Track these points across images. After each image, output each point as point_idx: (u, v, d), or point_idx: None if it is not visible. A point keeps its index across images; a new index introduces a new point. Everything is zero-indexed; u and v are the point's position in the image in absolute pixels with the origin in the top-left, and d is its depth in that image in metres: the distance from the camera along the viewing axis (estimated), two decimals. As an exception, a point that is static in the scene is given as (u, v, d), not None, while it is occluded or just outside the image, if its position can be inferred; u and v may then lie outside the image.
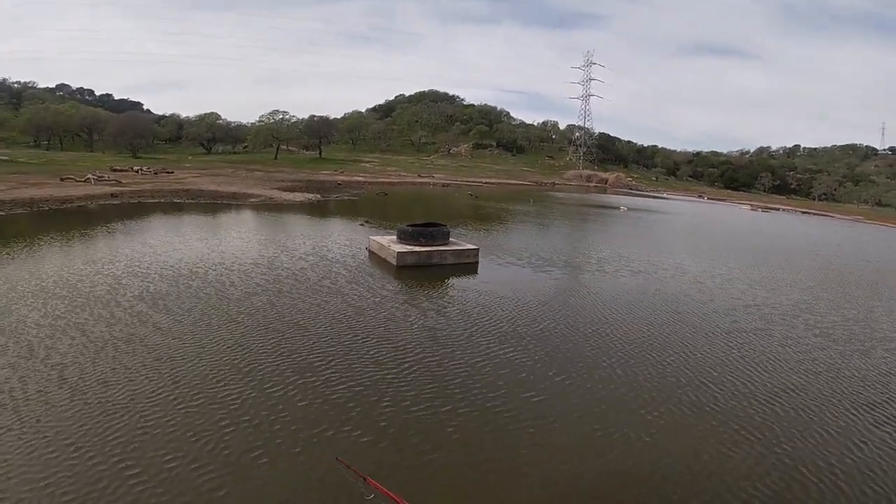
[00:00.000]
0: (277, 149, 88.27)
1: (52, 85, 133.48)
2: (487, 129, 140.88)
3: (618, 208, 52.57)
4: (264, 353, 9.03)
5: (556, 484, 6.07)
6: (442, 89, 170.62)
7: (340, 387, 7.94)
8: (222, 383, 7.84)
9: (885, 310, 16.34)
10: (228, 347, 9.17)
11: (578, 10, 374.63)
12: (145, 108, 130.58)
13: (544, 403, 7.93)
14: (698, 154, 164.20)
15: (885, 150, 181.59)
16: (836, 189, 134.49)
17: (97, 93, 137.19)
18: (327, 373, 8.39)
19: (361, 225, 24.58)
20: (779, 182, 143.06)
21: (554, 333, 11.04)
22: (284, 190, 39.56)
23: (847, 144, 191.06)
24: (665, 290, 15.99)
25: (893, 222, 76.96)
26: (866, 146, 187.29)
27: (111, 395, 7.27)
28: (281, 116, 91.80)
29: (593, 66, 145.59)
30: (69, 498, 5.23)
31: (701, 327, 12.42)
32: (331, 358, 8.97)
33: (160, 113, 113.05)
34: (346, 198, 40.00)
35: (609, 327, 11.75)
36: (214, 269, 14.49)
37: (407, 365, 8.91)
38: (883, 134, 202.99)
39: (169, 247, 17.24)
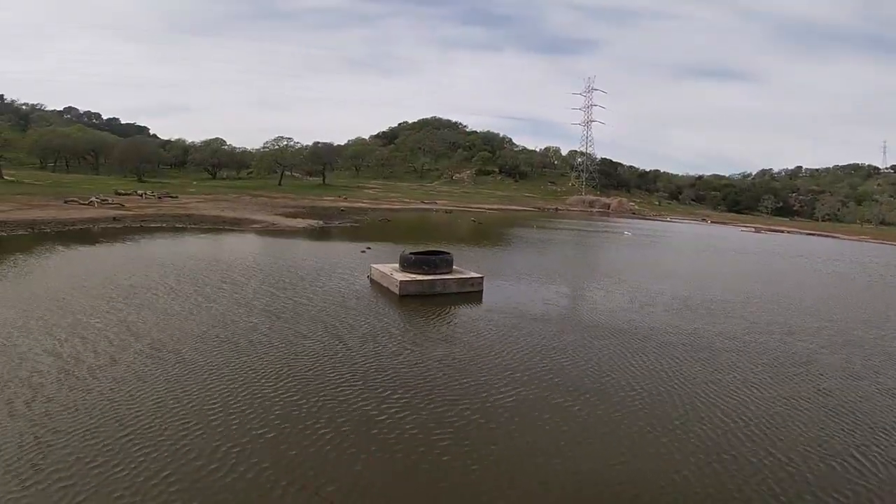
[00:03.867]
0: (282, 175, 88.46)
1: (60, 107, 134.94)
2: (490, 155, 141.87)
3: (622, 233, 52.42)
4: (268, 384, 8.68)
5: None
6: (444, 116, 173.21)
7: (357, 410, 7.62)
8: (229, 412, 7.52)
9: None
10: (224, 376, 8.84)
11: (574, 35, 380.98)
12: (151, 132, 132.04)
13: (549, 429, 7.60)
14: (700, 177, 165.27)
15: (887, 168, 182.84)
16: (839, 209, 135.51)
17: (104, 116, 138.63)
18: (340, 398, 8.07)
19: (363, 252, 24.24)
20: (781, 204, 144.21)
21: (559, 363, 10.66)
22: (287, 216, 39.45)
23: (849, 164, 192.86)
24: (674, 322, 15.65)
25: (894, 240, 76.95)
26: (868, 165, 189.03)
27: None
28: (285, 143, 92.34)
29: (594, 91, 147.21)
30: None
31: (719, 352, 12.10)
32: (341, 387, 8.64)
33: (166, 137, 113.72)
34: (348, 224, 39.81)
35: (617, 358, 11.39)
36: (207, 298, 14.07)
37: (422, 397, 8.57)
38: (885, 152, 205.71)
39: (161, 277, 16.89)
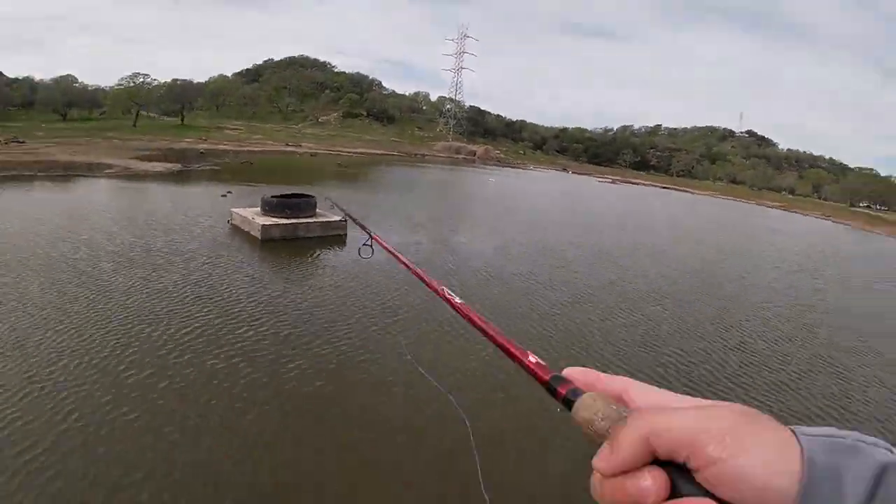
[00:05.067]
0: (137, 115, 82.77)
1: None
2: (358, 97, 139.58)
3: (487, 180, 53.77)
4: (125, 335, 8.70)
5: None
6: (314, 55, 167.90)
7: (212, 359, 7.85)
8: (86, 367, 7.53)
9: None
10: (80, 333, 8.76)
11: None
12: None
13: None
14: (564, 130, 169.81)
15: (742, 132, 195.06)
16: (693, 167, 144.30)
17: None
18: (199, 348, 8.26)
19: (224, 196, 23.79)
20: (639, 159, 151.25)
21: (414, 299, 11.25)
22: (143, 159, 37.56)
23: (706, 126, 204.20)
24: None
25: (743, 198, 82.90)
26: (724, 128, 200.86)
27: None
28: (142, 80, 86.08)
29: (467, 39, 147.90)
30: None
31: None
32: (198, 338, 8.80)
33: (14, 76, 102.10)
34: (208, 167, 38.57)
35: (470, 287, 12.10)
36: (56, 248, 13.52)
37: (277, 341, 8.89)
38: (741, 118, 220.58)
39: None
